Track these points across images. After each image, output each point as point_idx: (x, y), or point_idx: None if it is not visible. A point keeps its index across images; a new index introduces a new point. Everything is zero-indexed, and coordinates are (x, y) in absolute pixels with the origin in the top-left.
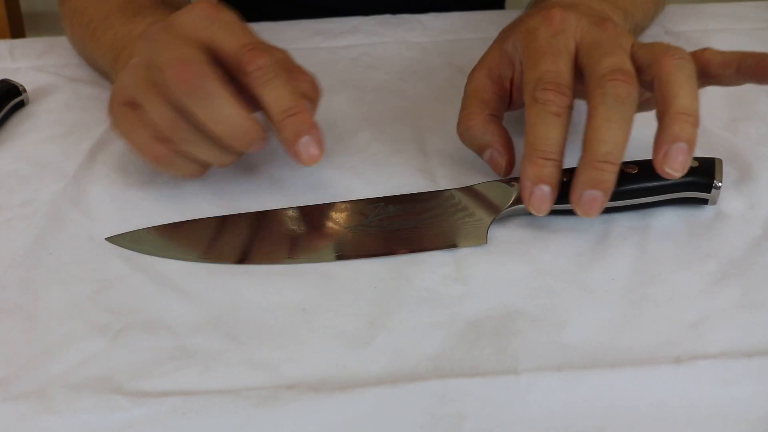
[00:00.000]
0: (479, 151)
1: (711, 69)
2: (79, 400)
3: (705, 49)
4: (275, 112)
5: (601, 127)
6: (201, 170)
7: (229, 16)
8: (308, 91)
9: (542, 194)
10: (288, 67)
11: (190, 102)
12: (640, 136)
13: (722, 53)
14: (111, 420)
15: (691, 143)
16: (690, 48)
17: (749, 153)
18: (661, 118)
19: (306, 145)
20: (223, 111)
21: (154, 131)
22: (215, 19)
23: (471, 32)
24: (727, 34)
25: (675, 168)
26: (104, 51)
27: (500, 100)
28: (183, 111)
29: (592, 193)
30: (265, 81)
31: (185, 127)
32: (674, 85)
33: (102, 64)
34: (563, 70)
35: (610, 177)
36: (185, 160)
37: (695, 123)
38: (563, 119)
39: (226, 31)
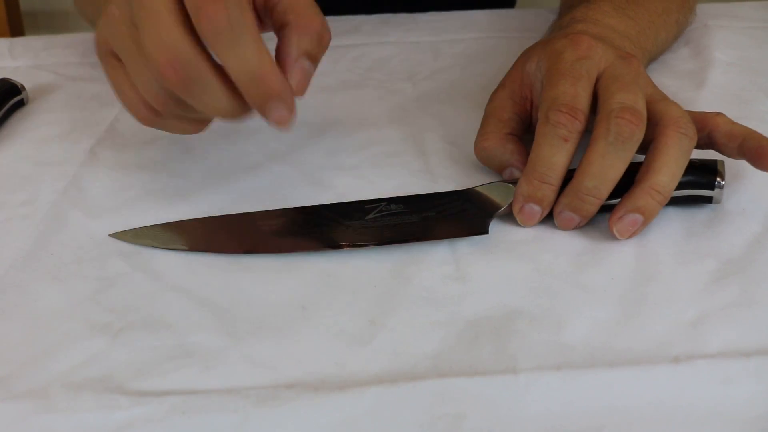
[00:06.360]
0: (499, 170)
1: (716, 136)
2: (79, 399)
3: (718, 114)
4: (237, 79)
5: (595, 161)
6: (200, 126)
7: None
8: (311, 48)
9: (531, 211)
10: (290, 9)
11: (183, 94)
12: None
13: (733, 124)
14: (111, 419)
15: (648, 218)
16: (690, 47)
17: None
18: (636, 182)
19: (273, 109)
20: (217, 102)
21: (142, 96)
22: None
23: (472, 32)
24: (726, 32)
25: (621, 233)
26: None
27: (520, 120)
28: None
29: (570, 215)
30: (225, 43)
31: (174, 105)
32: (663, 158)
33: (88, 13)
34: (581, 94)
35: (590, 208)
36: (178, 121)
37: (662, 202)
38: (570, 144)
39: None
